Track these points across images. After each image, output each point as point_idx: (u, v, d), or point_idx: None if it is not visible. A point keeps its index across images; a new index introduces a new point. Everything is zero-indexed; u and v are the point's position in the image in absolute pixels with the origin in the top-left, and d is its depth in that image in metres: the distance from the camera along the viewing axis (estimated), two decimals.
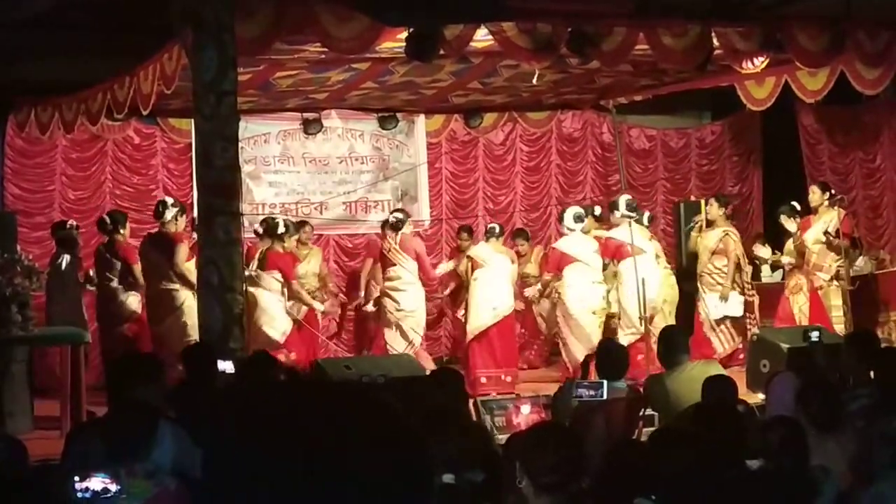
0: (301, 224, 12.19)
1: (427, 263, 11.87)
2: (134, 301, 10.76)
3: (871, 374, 6.62)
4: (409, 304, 11.53)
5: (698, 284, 12.40)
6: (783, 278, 12.55)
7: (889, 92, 12.03)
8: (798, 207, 12.12)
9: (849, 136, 14.49)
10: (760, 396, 8.33)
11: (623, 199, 12.05)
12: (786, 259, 12.18)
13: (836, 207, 11.79)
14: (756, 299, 12.66)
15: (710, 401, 5.82)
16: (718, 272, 12.16)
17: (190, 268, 10.06)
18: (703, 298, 12.25)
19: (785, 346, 9.85)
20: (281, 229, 11.35)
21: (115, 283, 10.79)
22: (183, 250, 10.45)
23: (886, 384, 6.21)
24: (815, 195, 11.95)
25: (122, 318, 10.77)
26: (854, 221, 12.90)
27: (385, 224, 11.96)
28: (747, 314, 12.40)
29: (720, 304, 12.12)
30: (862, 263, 13.07)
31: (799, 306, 11.94)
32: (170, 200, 10.86)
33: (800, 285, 11.97)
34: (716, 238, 12.23)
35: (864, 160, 14.45)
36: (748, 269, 12.45)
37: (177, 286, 10.38)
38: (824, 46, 9.84)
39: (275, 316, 11.15)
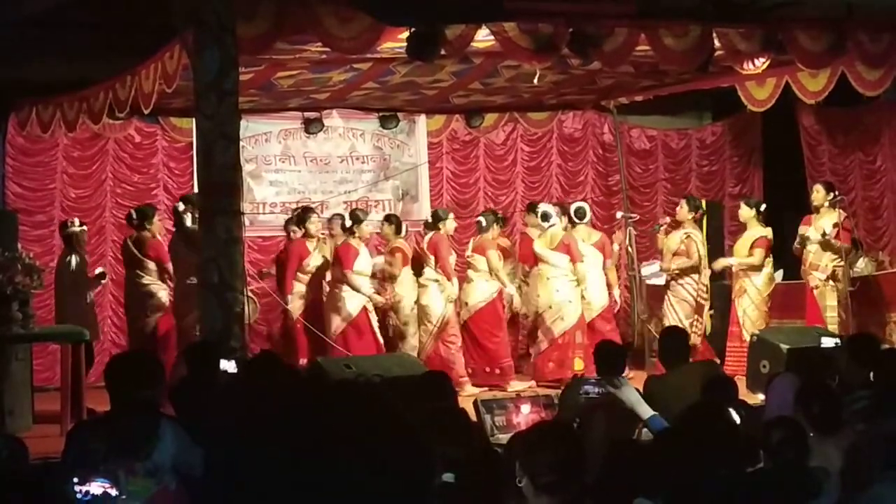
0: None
1: (444, 261, 11.75)
2: (164, 295, 10.79)
3: (871, 376, 6.62)
4: (427, 300, 11.79)
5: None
6: (728, 281, 12.44)
7: (890, 93, 12.03)
8: (762, 207, 12.10)
9: (849, 137, 14.49)
10: (760, 397, 8.34)
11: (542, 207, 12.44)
12: (733, 260, 12.09)
13: (836, 208, 11.78)
14: (707, 304, 12.47)
15: (705, 401, 5.83)
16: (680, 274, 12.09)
17: None
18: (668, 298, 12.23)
19: (785, 346, 9.86)
20: (347, 222, 11.55)
21: (145, 279, 10.83)
22: None
23: (886, 386, 6.21)
24: (818, 194, 11.91)
25: (151, 309, 10.80)
26: (854, 222, 12.91)
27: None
28: (697, 318, 12.23)
29: (648, 268, 12.13)
30: (862, 265, 13.07)
31: (743, 309, 11.88)
32: (180, 206, 10.75)
33: (743, 288, 11.90)
34: (677, 239, 12.12)
35: (865, 161, 14.45)
36: (706, 271, 12.27)
37: None
38: (825, 47, 9.84)
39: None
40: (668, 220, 12.56)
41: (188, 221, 10.49)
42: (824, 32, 9.81)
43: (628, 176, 14.56)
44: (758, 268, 11.85)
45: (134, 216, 11.12)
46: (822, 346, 8.57)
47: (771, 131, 14.84)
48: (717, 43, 9.64)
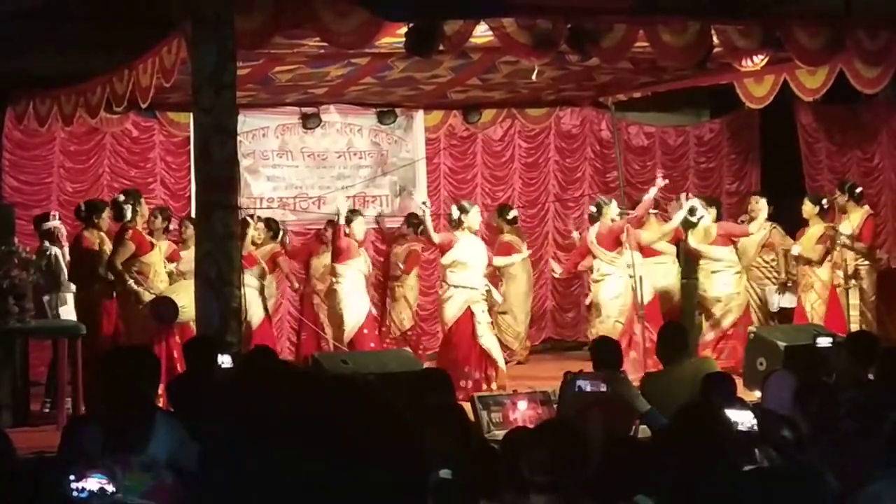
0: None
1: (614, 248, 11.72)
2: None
3: (870, 375, 6.62)
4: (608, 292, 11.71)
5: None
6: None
7: (888, 91, 12.03)
8: (824, 202, 12.19)
9: (847, 134, 14.49)
10: (757, 394, 8.34)
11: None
12: (795, 248, 12.20)
13: (863, 206, 11.91)
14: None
15: (702, 399, 5.83)
16: (767, 266, 12.23)
17: (155, 264, 10.16)
18: (755, 291, 12.32)
19: (782, 344, 9.86)
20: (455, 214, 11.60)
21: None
22: (125, 248, 10.18)
23: (885, 384, 6.21)
24: (840, 197, 12.05)
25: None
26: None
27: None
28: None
29: (778, 296, 12.23)
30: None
31: (811, 304, 11.99)
32: (121, 197, 10.43)
33: (810, 283, 12.01)
34: (763, 232, 12.33)
35: (862, 159, 14.46)
36: (791, 258, 12.51)
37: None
38: (824, 45, 9.83)
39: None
40: (746, 217, 12.65)
41: (128, 215, 10.24)
42: (823, 30, 9.79)
43: (626, 172, 14.53)
44: (819, 263, 11.99)
45: (83, 209, 10.74)
46: (819, 344, 8.56)
47: (769, 128, 14.84)
48: (715, 40, 9.63)
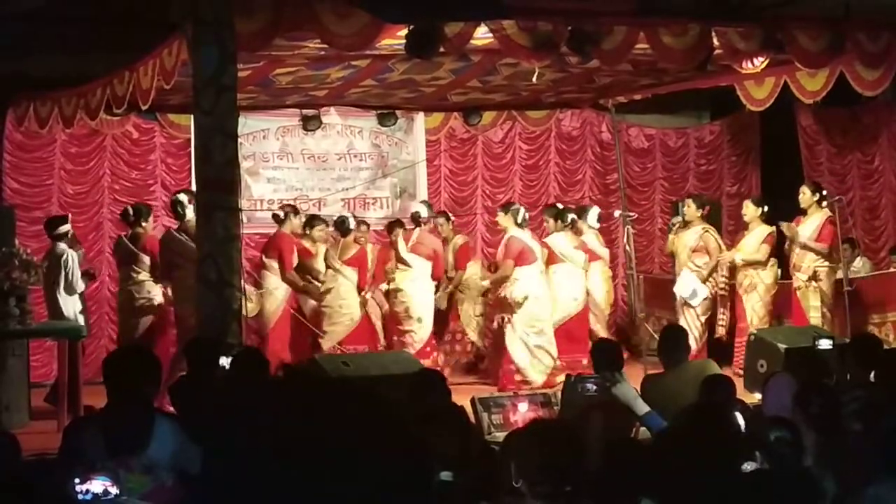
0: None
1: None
2: (159, 294, 10.54)
3: (871, 376, 6.62)
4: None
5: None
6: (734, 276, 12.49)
7: (888, 93, 12.03)
8: (766, 207, 12.12)
9: (847, 137, 14.50)
10: (757, 396, 8.34)
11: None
12: (738, 256, 12.09)
13: (824, 207, 11.78)
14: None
15: (705, 401, 5.83)
16: (698, 270, 12.06)
17: None
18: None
19: (782, 346, 9.84)
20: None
21: (142, 276, 10.61)
22: None
23: (886, 386, 6.21)
24: (805, 195, 11.89)
25: (146, 309, 10.58)
26: (852, 222, 12.91)
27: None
28: (722, 311, 12.34)
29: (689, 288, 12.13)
30: (859, 264, 13.06)
31: (751, 306, 11.90)
32: (184, 197, 10.44)
33: (753, 284, 11.93)
34: (695, 236, 12.11)
35: (863, 161, 14.47)
36: (725, 265, 12.33)
37: None
38: (824, 47, 9.83)
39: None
40: (679, 220, 12.53)
41: (188, 214, 10.25)
42: (823, 32, 9.80)
43: (626, 175, 14.55)
44: (764, 264, 11.91)
45: (131, 213, 10.93)
46: (819, 346, 8.55)
47: (769, 131, 14.85)
48: (716, 42, 9.63)
